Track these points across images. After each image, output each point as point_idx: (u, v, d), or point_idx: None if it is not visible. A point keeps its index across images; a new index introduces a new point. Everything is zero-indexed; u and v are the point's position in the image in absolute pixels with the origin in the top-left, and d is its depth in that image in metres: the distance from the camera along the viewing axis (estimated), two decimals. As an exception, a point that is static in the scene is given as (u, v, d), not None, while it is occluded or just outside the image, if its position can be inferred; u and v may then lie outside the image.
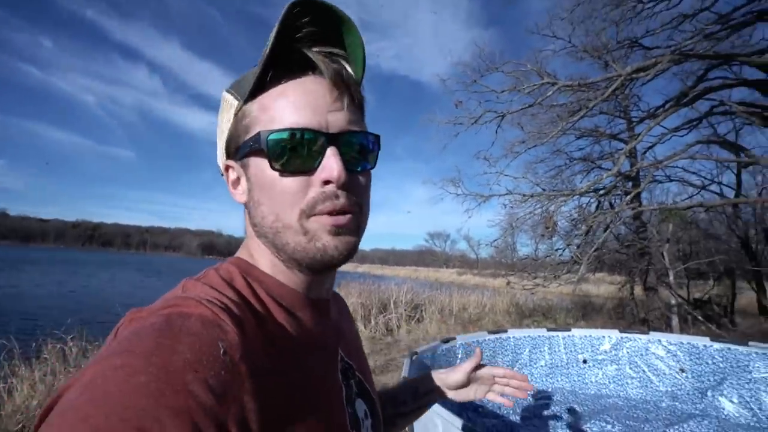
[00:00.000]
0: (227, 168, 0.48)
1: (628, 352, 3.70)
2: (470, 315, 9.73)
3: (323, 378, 0.46)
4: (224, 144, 0.47)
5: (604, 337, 3.87)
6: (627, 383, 3.62)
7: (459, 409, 3.43)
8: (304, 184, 0.41)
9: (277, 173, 0.41)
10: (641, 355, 3.64)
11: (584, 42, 6.69)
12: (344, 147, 0.42)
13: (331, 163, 0.41)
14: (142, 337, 0.31)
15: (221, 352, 0.32)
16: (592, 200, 8.18)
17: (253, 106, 0.43)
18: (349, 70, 0.45)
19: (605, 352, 3.82)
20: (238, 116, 0.44)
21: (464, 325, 8.82)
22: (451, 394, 0.78)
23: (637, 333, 3.76)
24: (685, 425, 2.93)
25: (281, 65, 0.42)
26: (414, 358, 3.24)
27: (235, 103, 0.44)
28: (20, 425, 3.42)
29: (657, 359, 3.56)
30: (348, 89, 0.43)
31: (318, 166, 0.41)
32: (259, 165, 0.42)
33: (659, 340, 3.57)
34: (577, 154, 9.03)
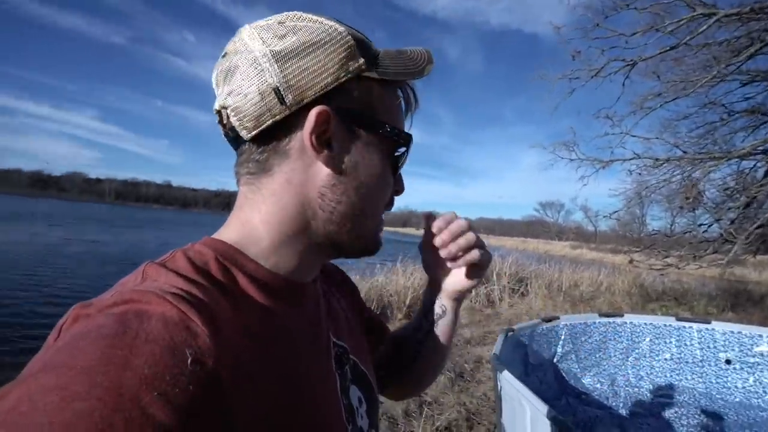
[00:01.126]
0: (323, 114, 0.38)
1: (796, 359, 2.94)
2: (582, 293, 8.86)
3: (315, 371, 0.42)
4: (323, 88, 0.39)
5: (762, 336, 3.13)
6: (790, 396, 2.90)
7: (558, 393, 3.21)
8: (392, 185, 0.47)
9: (391, 170, 0.45)
10: (817, 364, 2.85)
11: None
12: None
13: (403, 180, 0.50)
14: (86, 345, 0.25)
15: (189, 361, 0.27)
16: (759, 164, 6.42)
17: (386, 91, 0.44)
18: None
19: (761, 354, 3.09)
20: (362, 81, 0.41)
21: (574, 303, 8.10)
22: (446, 285, 0.60)
23: (812, 335, 2.95)
24: None
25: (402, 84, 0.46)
26: (509, 335, 3.09)
27: (359, 59, 0.40)
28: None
29: (842, 372, 2.75)
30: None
31: (393, 179, 0.47)
32: (382, 152, 0.43)
33: None
34: (741, 105, 7.08)
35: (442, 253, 0.52)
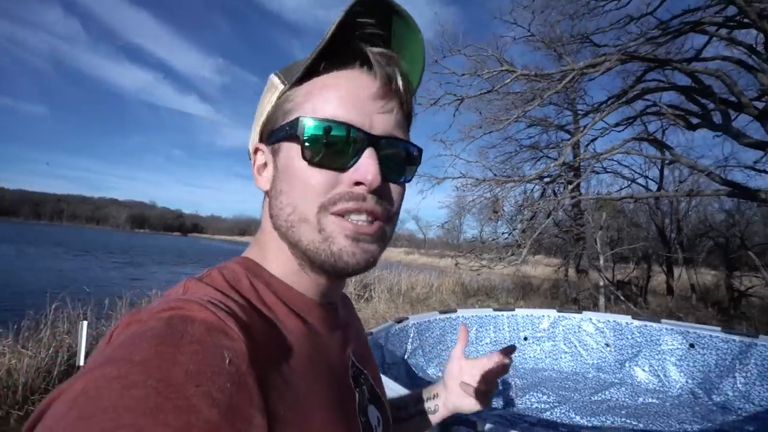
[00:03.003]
0: (256, 151, 0.46)
1: (563, 330, 4.13)
2: (418, 294, 10.10)
3: (336, 387, 0.43)
4: (260, 127, 0.46)
5: (543, 316, 4.28)
6: (561, 358, 4.06)
7: (409, 386, 3.64)
8: (333, 180, 0.40)
9: (306, 163, 0.40)
10: (574, 332, 4.08)
11: (542, 32, 6.99)
12: (384, 152, 0.41)
13: (367, 165, 0.39)
14: (140, 343, 0.29)
15: (227, 362, 0.30)
16: (537, 187, 8.79)
17: (299, 92, 0.42)
18: (404, 76, 0.42)
19: (544, 330, 4.22)
20: (280, 100, 0.43)
21: (412, 304, 9.16)
22: (453, 398, 0.68)
23: (572, 312, 4.19)
24: (606, 392, 3.38)
25: (336, 57, 0.41)
26: (368, 338, 3.36)
27: (281, 86, 0.44)
28: None
29: (587, 335, 4.01)
30: (398, 94, 0.42)
31: (351, 166, 0.40)
32: (290, 152, 0.41)
33: (590, 319, 4.03)
34: (527, 141, 9.61)
35: (481, 385, 0.65)
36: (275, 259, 0.45)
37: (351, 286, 9.13)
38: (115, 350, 0.29)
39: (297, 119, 0.40)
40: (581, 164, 8.15)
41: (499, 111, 7.16)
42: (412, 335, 4.08)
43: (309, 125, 0.39)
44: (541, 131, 9.54)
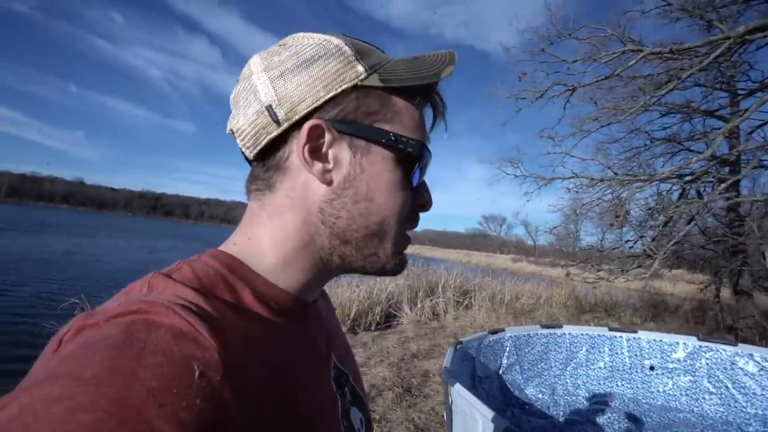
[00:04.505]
0: (315, 128, 0.39)
1: (707, 363, 3.36)
2: (523, 305, 9.41)
3: (318, 391, 0.42)
4: (319, 100, 0.39)
5: (678, 343, 3.55)
6: (704, 398, 3.31)
7: (503, 405, 3.36)
8: (410, 199, 0.44)
9: (401, 179, 0.42)
10: (725, 368, 3.28)
11: (682, -1, 5.85)
12: None
13: (429, 194, 0.47)
14: (92, 355, 0.25)
15: (197, 375, 0.27)
16: (675, 187, 7.38)
17: (391, 98, 0.42)
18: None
19: (678, 360, 3.50)
20: (363, 89, 0.41)
21: (516, 315, 8.57)
22: None
23: (721, 343, 3.39)
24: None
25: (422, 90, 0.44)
26: (458, 347, 3.20)
27: (361, 71, 0.40)
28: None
29: (746, 376, 3.19)
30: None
31: (415, 190, 0.44)
32: (389, 163, 0.42)
33: (751, 355, 3.20)
34: (661, 133, 8.11)
35: None
36: (272, 253, 0.42)
37: (450, 292, 8.98)
38: (61, 363, 0.25)
39: (421, 143, 0.43)
40: (741, 157, 6.58)
41: (622, 99, 6.20)
42: (508, 349, 3.78)
43: (427, 155, 0.44)
44: (682, 120, 7.94)
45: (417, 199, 0.45)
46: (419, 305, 8.17)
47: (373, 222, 0.41)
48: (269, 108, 0.39)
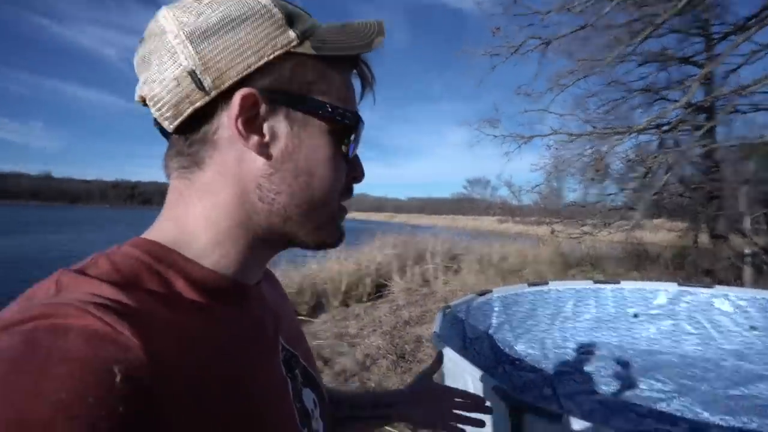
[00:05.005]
0: (248, 97, 0.36)
1: (687, 307, 3.51)
2: (510, 265, 9.62)
3: (266, 376, 0.40)
4: (250, 67, 0.36)
5: (659, 290, 3.67)
6: (684, 340, 3.47)
7: (494, 363, 3.46)
8: (345, 171, 0.43)
9: (341, 155, 0.42)
10: (703, 310, 3.43)
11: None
12: None
13: (362, 165, 0.46)
14: None
15: (117, 379, 0.24)
16: (653, 138, 7.46)
17: (325, 68, 0.40)
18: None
19: (660, 306, 3.64)
20: (296, 56, 0.38)
21: (504, 276, 8.76)
22: (414, 413, 0.72)
23: (699, 286, 3.52)
24: (752, 386, 2.77)
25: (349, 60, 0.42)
26: (447, 312, 3.23)
27: (293, 35, 0.37)
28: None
29: (722, 315, 3.34)
30: None
31: (349, 161, 0.44)
32: (325, 134, 0.40)
33: (726, 295, 3.33)
34: (638, 84, 8.07)
35: (453, 418, 0.72)
36: (203, 237, 0.39)
37: (438, 258, 9.10)
38: None
39: (355, 113, 0.42)
40: (717, 103, 6.64)
41: (598, 51, 6.11)
42: (497, 309, 3.86)
43: (361, 125, 0.42)
44: (658, 68, 7.91)
45: (351, 171, 0.45)
46: (408, 273, 8.24)
47: (314, 196, 0.40)
48: (192, 73, 0.35)
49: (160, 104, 0.36)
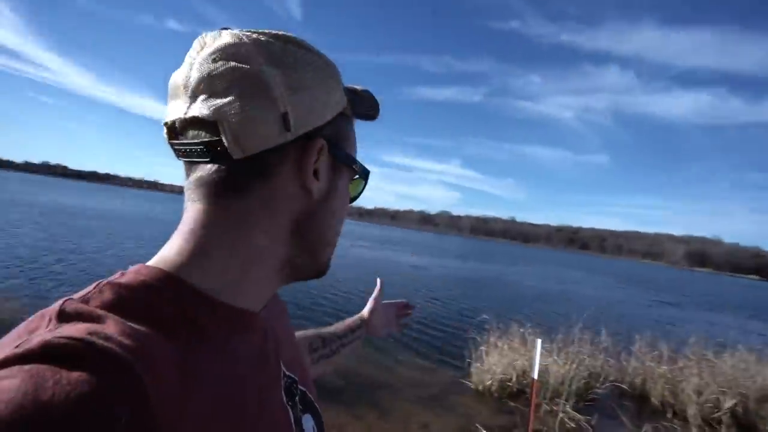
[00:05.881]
0: (323, 146, 0.40)
1: None
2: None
3: (268, 407, 0.41)
4: (327, 119, 0.40)
5: None
6: None
7: None
8: None
9: (348, 198, 0.48)
10: None
11: None
12: None
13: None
14: None
15: (123, 421, 0.24)
16: None
17: (351, 128, 0.47)
18: None
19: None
20: (346, 122, 0.46)
21: None
22: (373, 330, 0.96)
23: None
24: None
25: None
26: None
27: (344, 96, 0.44)
28: (489, 381, 4.59)
29: None
30: None
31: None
32: (345, 181, 0.46)
33: None
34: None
35: (401, 314, 1.04)
36: (222, 267, 0.38)
37: None
38: None
39: (366, 170, 0.48)
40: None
41: None
42: None
43: (368, 179, 0.50)
44: None
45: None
46: None
47: (332, 236, 0.46)
48: (285, 117, 0.36)
49: (242, 134, 0.35)
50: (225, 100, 0.35)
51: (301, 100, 0.37)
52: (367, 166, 0.49)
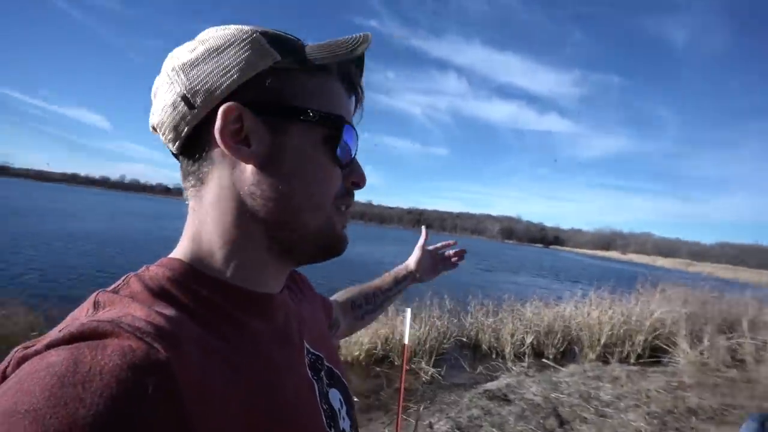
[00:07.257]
0: (230, 110, 0.38)
1: None
2: None
3: (290, 382, 0.41)
4: (234, 83, 0.39)
5: None
6: None
7: None
8: (339, 176, 0.44)
9: (330, 160, 0.42)
10: None
11: None
12: None
13: (362, 171, 0.47)
14: (31, 386, 0.24)
15: (150, 391, 0.26)
16: None
17: (313, 82, 0.42)
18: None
19: None
20: (279, 71, 0.40)
21: None
22: (424, 274, 0.99)
23: None
24: None
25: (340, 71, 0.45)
26: (766, 425, 2.00)
27: (275, 54, 0.40)
28: (357, 353, 4.81)
29: None
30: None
31: (348, 167, 0.45)
32: (311, 141, 0.41)
33: None
34: None
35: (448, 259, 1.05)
36: (219, 253, 0.41)
37: (764, 332, 6.09)
38: (1, 396, 0.25)
39: (340, 117, 0.43)
40: None
41: None
42: None
43: (349, 130, 0.43)
44: None
45: (349, 176, 0.46)
46: (706, 343, 5.94)
47: (303, 200, 0.41)
48: (184, 97, 0.39)
49: (163, 128, 0.40)
50: (152, 108, 0.42)
51: (198, 75, 0.39)
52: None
